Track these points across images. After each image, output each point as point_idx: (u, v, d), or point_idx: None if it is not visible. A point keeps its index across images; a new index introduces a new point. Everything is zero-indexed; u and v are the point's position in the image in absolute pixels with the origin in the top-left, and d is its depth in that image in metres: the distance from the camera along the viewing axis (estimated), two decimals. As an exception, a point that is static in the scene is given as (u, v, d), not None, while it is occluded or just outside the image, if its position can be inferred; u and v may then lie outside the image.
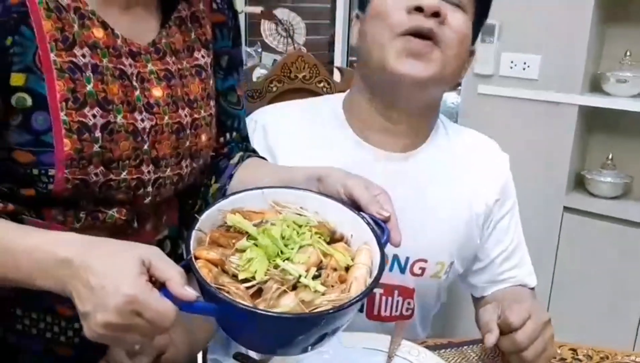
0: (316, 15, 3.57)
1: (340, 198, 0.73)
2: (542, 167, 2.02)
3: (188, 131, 0.85)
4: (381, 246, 0.67)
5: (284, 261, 0.63)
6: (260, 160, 0.96)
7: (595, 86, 1.99)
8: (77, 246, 0.62)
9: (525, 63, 2.00)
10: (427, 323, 1.16)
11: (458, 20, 0.97)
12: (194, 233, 0.65)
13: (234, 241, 0.66)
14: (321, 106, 1.10)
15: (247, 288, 0.61)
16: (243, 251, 0.64)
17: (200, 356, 0.97)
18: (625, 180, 1.99)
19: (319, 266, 0.65)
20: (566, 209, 2.02)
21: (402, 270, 1.04)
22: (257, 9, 2.85)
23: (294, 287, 0.62)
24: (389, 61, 0.94)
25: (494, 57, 2.04)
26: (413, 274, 1.05)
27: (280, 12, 2.73)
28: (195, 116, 0.86)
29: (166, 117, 0.81)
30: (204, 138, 0.88)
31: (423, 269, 1.05)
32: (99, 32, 0.75)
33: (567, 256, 2.03)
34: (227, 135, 0.96)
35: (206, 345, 0.92)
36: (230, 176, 0.90)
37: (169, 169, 0.83)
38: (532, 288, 1.16)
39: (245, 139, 1.00)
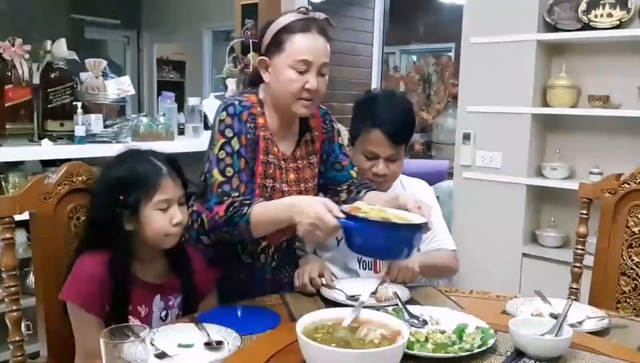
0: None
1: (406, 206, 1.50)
2: (507, 227, 2.98)
3: (302, 193, 1.69)
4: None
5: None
6: (373, 192, 1.70)
7: (539, 171, 2.98)
8: (293, 199, 1.52)
9: (491, 157, 3.02)
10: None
11: (396, 167, 1.91)
12: (347, 206, 1.43)
13: (359, 209, 1.42)
14: None
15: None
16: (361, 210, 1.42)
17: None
18: (563, 235, 2.93)
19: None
20: (524, 255, 2.96)
21: None
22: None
23: None
24: None
25: (471, 154, 3.07)
26: None
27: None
28: (306, 186, 1.72)
29: (294, 187, 1.69)
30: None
31: None
32: (275, 148, 1.66)
33: (527, 288, 2.92)
34: (344, 186, 1.76)
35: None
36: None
37: None
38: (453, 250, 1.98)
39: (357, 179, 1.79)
